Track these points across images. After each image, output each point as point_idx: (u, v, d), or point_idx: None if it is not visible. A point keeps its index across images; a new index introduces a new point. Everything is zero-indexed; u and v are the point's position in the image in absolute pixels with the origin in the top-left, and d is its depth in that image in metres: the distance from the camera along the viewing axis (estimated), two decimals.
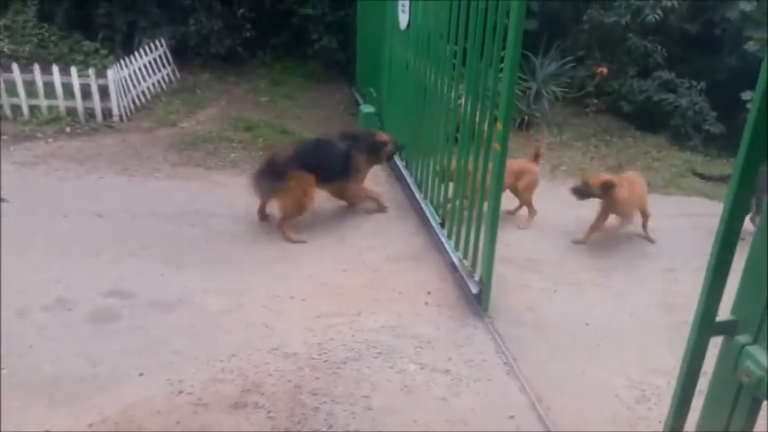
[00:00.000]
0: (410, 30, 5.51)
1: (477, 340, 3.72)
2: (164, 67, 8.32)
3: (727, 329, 1.44)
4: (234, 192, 5.43)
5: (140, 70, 7.73)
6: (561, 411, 3.15)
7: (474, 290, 4.01)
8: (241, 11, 9.00)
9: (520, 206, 5.46)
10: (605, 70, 8.59)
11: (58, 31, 8.17)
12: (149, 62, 7.97)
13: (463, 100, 4.35)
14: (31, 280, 4.00)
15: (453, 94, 4.54)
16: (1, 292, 3.74)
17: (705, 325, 1.49)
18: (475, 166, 4.15)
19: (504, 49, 3.55)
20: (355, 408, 3.10)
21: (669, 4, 8.34)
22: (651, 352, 3.69)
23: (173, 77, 8.51)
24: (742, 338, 1.39)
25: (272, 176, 4.78)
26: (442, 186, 4.85)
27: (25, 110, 6.88)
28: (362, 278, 4.35)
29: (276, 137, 6.96)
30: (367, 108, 7.07)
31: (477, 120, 4.13)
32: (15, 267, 4.08)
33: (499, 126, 3.62)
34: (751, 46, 7.74)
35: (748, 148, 1.35)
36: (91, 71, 6.87)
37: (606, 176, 4.98)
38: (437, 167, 4.96)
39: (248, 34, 9.14)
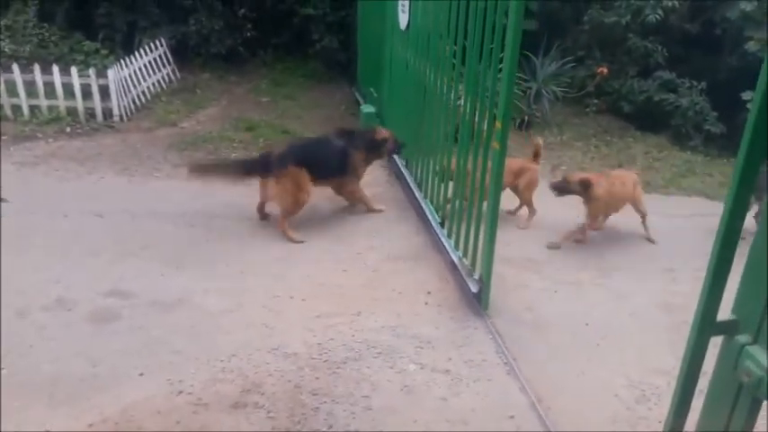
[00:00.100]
0: (410, 30, 5.52)
1: (477, 340, 3.71)
2: (164, 66, 8.33)
3: (728, 329, 1.44)
4: (234, 192, 5.43)
5: (141, 70, 7.73)
6: (561, 411, 3.15)
7: (474, 289, 4.01)
8: (242, 11, 9.00)
9: (520, 206, 5.46)
10: (605, 70, 8.59)
11: (58, 31, 8.18)
12: (150, 62, 7.97)
13: (463, 99, 4.36)
14: (31, 280, 4.01)
15: (453, 93, 4.55)
16: (1, 292, 3.75)
17: (705, 325, 1.48)
18: (474, 165, 4.16)
19: (503, 48, 3.55)
20: (355, 408, 3.10)
21: (670, 3, 8.34)
22: (651, 352, 3.69)
23: (173, 77, 8.51)
24: (742, 338, 1.39)
25: (264, 167, 4.80)
26: (442, 186, 4.85)
27: (25, 110, 6.88)
28: (362, 278, 4.35)
29: (277, 137, 6.95)
30: (368, 108, 7.07)
31: (476, 119, 4.14)
32: (15, 267, 4.08)
33: (498, 125, 3.62)
34: (751, 46, 7.74)
35: (748, 148, 1.34)
36: (91, 71, 6.87)
37: (584, 174, 4.99)
38: (437, 167, 4.97)
39: (249, 34, 9.14)
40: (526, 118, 7.97)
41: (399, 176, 6.05)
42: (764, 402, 1.39)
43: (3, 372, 3.17)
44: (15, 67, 6.80)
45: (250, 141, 6.84)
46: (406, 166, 5.97)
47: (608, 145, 7.98)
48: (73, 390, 3.09)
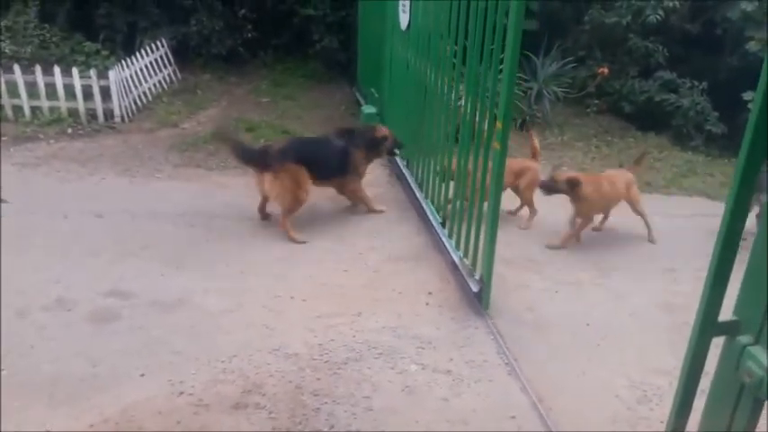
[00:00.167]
0: (411, 30, 5.52)
1: (478, 341, 3.71)
2: (165, 67, 8.33)
3: (729, 330, 1.44)
4: (235, 192, 5.44)
5: (142, 71, 7.74)
6: (562, 411, 3.15)
7: (474, 288, 4.01)
8: (242, 11, 9.01)
9: (521, 206, 5.46)
10: (606, 70, 8.59)
11: (59, 32, 8.18)
12: (150, 63, 7.98)
13: (463, 100, 4.36)
14: (31, 280, 4.01)
15: (454, 93, 4.55)
16: (1, 292, 3.75)
17: (707, 325, 1.48)
18: (475, 165, 4.16)
19: (503, 48, 3.55)
20: (356, 408, 3.10)
21: (670, 4, 8.35)
22: (652, 352, 3.68)
23: (174, 78, 8.51)
24: (744, 339, 1.39)
25: (266, 163, 4.79)
26: (443, 186, 4.85)
27: (27, 111, 6.88)
28: (363, 278, 4.35)
29: (277, 137, 6.95)
30: (368, 108, 7.08)
31: (477, 119, 4.14)
32: (16, 267, 4.08)
33: (499, 125, 3.63)
34: (752, 46, 7.74)
35: (749, 148, 1.34)
36: (92, 72, 6.88)
37: (572, 173, 4.98)
38: (438, 167, 4.97)
39: (249, 35, 9.15)
40: (527, 118, 7.97)
41: (400, 177, 6.04)
42: (766, 403, 1.39)
43: (3, 372, 3.17)
44: (17, 67, 6.81)
45: (250, 142, 6.83)
46: (407, 166, 5.97)
47: (609, 145, 7.98)
48: (73, 390, 3.09)
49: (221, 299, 3.97)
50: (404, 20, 5.69)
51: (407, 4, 5.53)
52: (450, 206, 4.72)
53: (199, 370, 3.30)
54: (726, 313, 1.47)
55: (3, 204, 4.90)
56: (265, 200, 5.02)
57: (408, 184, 5.74)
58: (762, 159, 1.37)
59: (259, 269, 4.38)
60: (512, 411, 3.14)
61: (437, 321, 3.89)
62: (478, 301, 3.98)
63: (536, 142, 5.39)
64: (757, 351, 1.35)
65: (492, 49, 3.74)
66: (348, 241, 4.89)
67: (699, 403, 1.58)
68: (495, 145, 3.71)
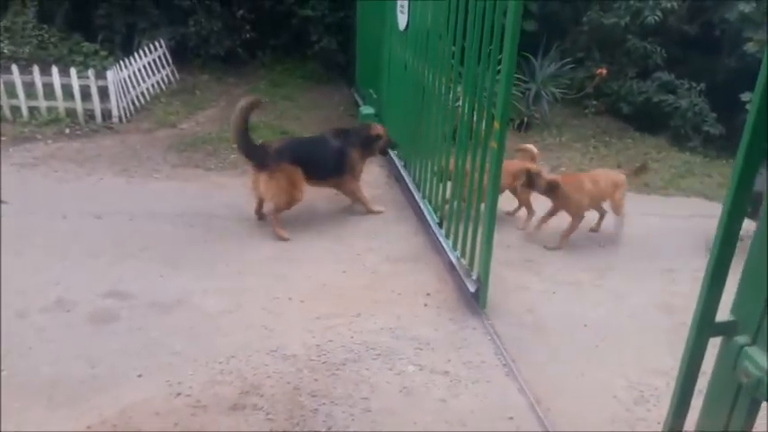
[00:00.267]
0: (409, 30, 5.52)
1: (476, 342, 3.71)
2: (163, 68, 8.32)
3: (727, 330, 1.44)
4: (233, 193, 5.43)
5: (140, 71, 7.73)
6: (560, 412, 3.15)
7: (471, 288, 4.01)
8: (241, 12, 9.00)
9: (519, 207, 5.46)
10: (605, 71, 8.60)
11: (57, 32, 8.18)
12: (149, 63, 7.97)
13: (461, 100, 4.36)
14: (30, 281, 4.00)
15: (452, 94, 4.55)
16: (0, 293, 3.74)
17: (704, 325, 1.48)
18: (473, 165, 4.17)
19: (501, 49, 3.56)
20: (354, 409, 3.10)
21: (669, 5, 8.35)
22: (650, 353, 3.69)
23: (172, 78, 8.51)
24: (741, 339, 1.39)
25: (262, 162, 4.78)
26: (441, 186, 4.86)
27: (25, 111, 6.87)
28: (361, 279, 4.35)
29: (276, 138, 6.95)
30: (367, 109, 7.08)
31: (474, 119, 4.15)
32: (15, 268, 4.08)
33: (496, 125, 3.63)
34: (750, 47, 7.74)
35: (747, 149, 1.34)
36: (90, 72, 6.87)
37: (551, 176, 4.99)
38: (435, 168, 4.97)
39: (248, 35, 9.14)
40: (525, 119, 7.98)
41: (399, 178, 6.05)
42: (764, 403, 1.39)
43: (3, 373, 3.17)
44: (14, 68, 6.80)
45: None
46: (405, 166, 5.97)
47: (607, 146, 7.98)
48: (72, 391, 3.09)
49: (220, 300, 3.97)
50: (402, 21, 5.69)
51: (406, 4, 5.53)
52: (447, 206, 4.73)
53: (197, 371, 3.30)
54: (723, 313, 1.47)
55: (2, 205, 4.90)
56: (261, 201, 5.03)
57: (406, 184, 5.74)
58: (760, 160, 1.37)
59: (258, 270, 4.38)
60: (510, 412, 3.15)
61: (435, 322, 3.89)
62: (475, 300, 3.98)
63: (534, 152, 5.38)
64: (754, 351, 1.35)
65: (490, 50, 3.75)
66: (346, 242, 4.89)
67: (696, 403, 1.58)
68: (493, 144, 3.72)
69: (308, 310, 3.93)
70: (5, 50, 7.54)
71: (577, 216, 5.00)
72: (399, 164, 6.09)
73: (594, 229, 5.34)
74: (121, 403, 3.03)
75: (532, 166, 5.27)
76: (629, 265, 4.87)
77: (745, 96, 7.49)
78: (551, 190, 4.85)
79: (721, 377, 1.45)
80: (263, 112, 7.89)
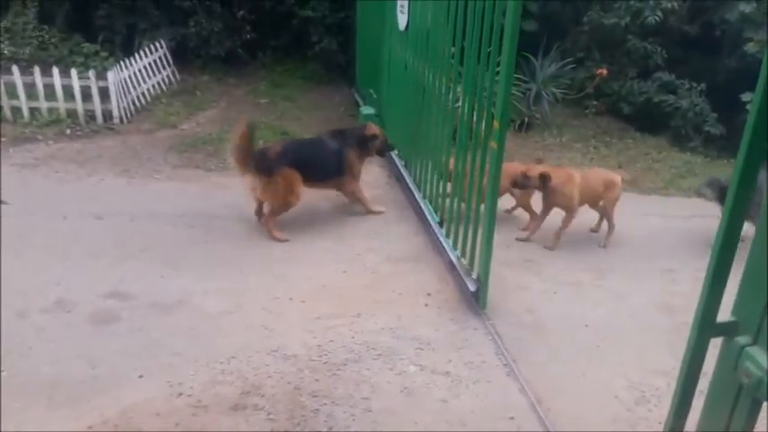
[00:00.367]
0: (409, 31, 5.52)
1: (476, 342, 3.71)
2: (164, 68, 8.33)
3: (728, 330, 1.44)
4: (234, 193, 5.43)
5: (140, 72, 7.73)
6: (561, 413, 3.15)
7: (471, 288, 4.02)
8: (241, 13, 9.00)
9: (516, 205, 5.46)
10: (605, 72, 8.60)
11: (58, 33, 8.17)
12: (149, 64, 7.97)
13: (461, 100, 4.37)
14: (30, 281, 4.00)
15: (452, 94, 4.56)
16: (1, 293, 3.75)
17: (705, 326, 1.48)
18: (473, 164, 4.17)
19: (501, 48, 3.56)
20: (355, 409, 3.10)
21: (669, 5, 8.35)
22: (651, 353, 3.69)
23: (173, 79, 8.51)
24: (742, 339, 1.39)
25: (261, 167, 4.78)
26: (441, 183, 4.86)
27: (25, 112, 6.88)
28: (362, 279, 4.35)
29: (276, 139, 6.95)
30: (367, 110, 7.08)
31: (474, 119, 4.15)
32: (15, 269, 4.08)
33: (496, 125, 3.64)
34: (751, 47, 7.74)
35: (748, 149, 1.34)
36: (91, 73, 6.88)
37: (543, 168, 4.95)
38: (435, 167, 4.97)
39: (248, 36, 9.14)
40: (526, 119, 7.98)
41: (399, 178, 6.05)
42: (765, 403, 1.39)
43: (3, 373, 3.17)
44: (15, 68, 6.80)
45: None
46: (406, 166, 5.97)
47: (607, 146, 7.98)
48: (72, 391, 3.09)
49: (220, 300, 3.97)
50: (402, 21, 5.69)
51: (406, 4, 5.53)
52: (447, 202, 4.72)
53: (198, 371, 3.30)
54: (724, 314, 1.47)
55: (3, 206, 4.90)
56: (260, 202, 5.03)
57: (407, 184, 5.75)
58: (760, 160, 1.37)
59: (258, 270, 4.38)
60: (510, 412, 3.15)
61: (436, 322, 3.89)
62: (475, 300, 3.98)
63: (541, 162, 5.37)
64: (755, 352, 1.35)
65: (489, 50, 3.75)
66: (347, 242, 4.90)
67: (697, 404, 1.58)
68: (492, 144, 3.72)
69: (308, 310, 3.93)
70: (6, 51, 7.55)
71: (569, 210, 4.98)
72: (400, 164, 6.09)
73: (594, 230, 5.33)
74: (122, 403, 3.03)
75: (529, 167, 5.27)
76: (630, 265, 4.87)
77: (745, 96, 7.49)
78: (543, 183, 4.82)
79: (722, 377, 1.45)
80: (263, 113, 7.91)
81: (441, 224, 4.84)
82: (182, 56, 8.86)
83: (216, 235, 4.86)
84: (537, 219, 5.14)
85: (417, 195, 5.44)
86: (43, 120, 6.85)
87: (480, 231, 3.99)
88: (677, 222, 5.76)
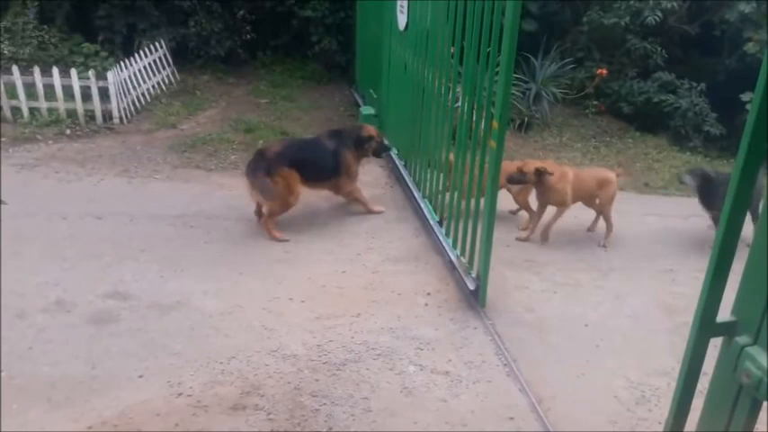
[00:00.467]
0: (408, 31, 5.52)
1: (476, 342, 3.71)
2: (164, 68, 8.33)
3: (727, 330, 1.44)
4: (234, 193, 5.43)
5: (140, 72, 7.73)
6: (561, 413, 3.15)
7: (471, 286, 4.02)
8: (241, 13, 9.01)
9: (519, 208, 5.46)
10: (605, 72, 8.60)
11: (58, 33, 8.18)
12: (149, 64, 7.97)
13: (460, 100, 4.37)
14: (30, 282, 4.00)
15: (451, 94, 4.56)
16: (1, 293, 3.74)
17: (705, 326, 1.48)
18: (472, 163, 4.17)
19: (500, 48, 3.57)
20: (355, 409, 3.10)
21: (669, 5, 8.35)
22: (651, 353, 3.69)
23: (173, 79, 8.51)
24: (742, 339, 1.39)
25: (260, 170, 4.77)
26: (440, 182, 4.85)
27: (25, 112, 6.88)
28: (362, 279, 4.35)
29: (276, 138, 6.96)
30: (367, 109, 7.08)
31: (474, 118, 4.15)
32: (15, 269, 4.08)
33: (495, 124, 3.64)
34: (750, 47, 7.74)
35: (748, 149, 1.34)
36: (91, 73, 6.88)
37: (538, 163, 4.94)
38: (435, 163, 4.97)
39: (248, 36, 9.15)
40: (526, 119, 7.98)
41: (399, 178, 6.05)
42: (765, 403, 1.39)
43: (2, 374, 3.17)
44: (15, 69, 6.80)
45: (249, 143, 6.84)
46: (405, 166, 5.97)
47: (607, 146, 7.99)
48: (72, 392, 3.09)
49: (220, 300, 3.97)
50: (402, 21, 5.69)
51: (405, 4, 5.53)
52: (446, 203, 4.72)
53: (197, 371, 3.30)
54: (724, 313, 1.47)
55: (2, 206, 4.90)
56: (259, 203, 5.03)
57: (407, 184, 5.75)
58: (760, 160, 1.37)
59: (258, 270, 4.37)
60: (510, 412, 3.14)
61: (436, 322, 3.89)
62: (475, 298, 3.99)
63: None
64: (755, 352, 1.35)
65: (489, 49, 3.75)
66: (347, 242, 4.89)
67: (697, 404, 1.58)
68: (492, 144, 3.73)
69: (308, 310, 3.93)
70: (6, 51, 7.55)
71: (562, 206, 4.97)
72: (399, 164, 6.09)
73: (591, 229, 5.31)
74: (122, 404, 3.03)
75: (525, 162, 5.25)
76: (630, 264, 4.87)
77: (745, 96, 7.49)
78: (539, 178, 4.81)
79: (722, 377, 1.45)
80: (263, 113, 7.91)
81: (440, 223, 4.84)
82: (181, 56, 8.86)
83: (215, 235, 4.86)
84: (534, 217, 5.14)
85: (417, 195, 5.44)
86: (43, 120, 6.85)
87: (480, 229, 3.99)
88: (677, 222, 5.76)
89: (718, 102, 8.31)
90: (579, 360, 3.61)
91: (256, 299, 4.01)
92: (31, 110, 6.91)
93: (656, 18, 8.32)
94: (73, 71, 6.87)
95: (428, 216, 5.06)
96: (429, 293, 4.20)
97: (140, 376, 3.24)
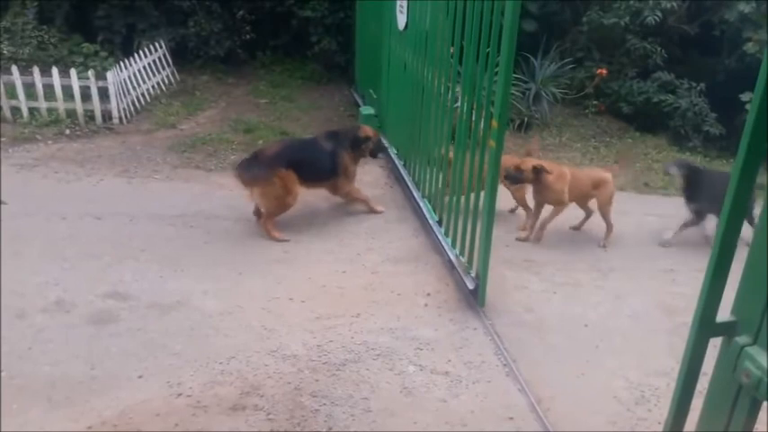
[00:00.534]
0: (408, 31, 5.52)
1: (476, 342, 3.71)
2: (163, 69, 8.32)
3: (727, 330, 1.44)
4: (233, 193, 5.42)
5: (140, 72, 7.73)
6: (561, 413, 3.15)
7: (470, 285, 4.02)
8: (240, 13, 9.01)
9: (517, 206, 5.46)
10: (604, 71, 8.60)
11: (57, 33, 8.18)
12: (149, 64, 7.97)
13: (460, 100, 4.37)
14: (29, 282, 4.00)
15: (451, 93, 4.56)
16: (0, 293, 3.74)
17: (704, 325, 1.48)
18: (471, 163, 4.17)
19: (500, 48, 3.57)
20: (355, 410, 3.10)
21: (668, 5, 8.35)
22: (650, 353, 3.69)
23: (172, 79, 8.51)
24: (741, 339, 1.39)
25: (256, 170, 4.78)
26: (440, 181, 4.85)
27: (25, 112, 6.87)
28: (361, 280, 4.35)
29: (276, 138, 6.95)
30: (367, 110, 7.08)
31: (473, 118, 4.16)
32: (14, 269, 4.08)
33: (495, 124, 3.64)
34: (750, 47, 7.74)
35: (747, 149, 1.34)
36: (90, 73, 6.87)
37: (536, 161, 4.93)
38: (434, 162, 4.97)
39: (248, 36, 9.15)
40: (525, 119, 7.98)
41: (399, 178, 6.05)
42: (764, 403, 1.39)
43: (2, 374, 3.17)
44: (15, 69, 6.79)
45: (249, 143, 6.84)
46: (405, 166, 5.97)
47: (607, 146, 7.99)
48: (72, 392, 3.09)
49: (220, 300, 3.97)
50: (401, 21, 5.69)
51: (405, 4, 5.53)
52: (446, 201, 4.72)
53: (197, 372, 3.30)
54: (724, 313, 1.47)
55: (2, 206, 4.90)
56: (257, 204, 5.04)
57: (406, 184, 5.74)
58: (760, 160, 1.37)
59: (258, 270, 4.37)
60: (510, 413, 3.14)
61: (435, 323, 3.89)
62: (474, 297, 3.98)
63: (535, 148, 5.36)
64: (755, 351, 1.35)
65: (488, 49, 3.75)
66: (346, 242, 4.89)
67: (697, 404, 1.58)
68: (491, 144, 3.73)
69: (308, 310, 3.93)
70: (5, 51, 7.54)
71: (559, 206, 4.96)
72: (399, 164, 6.09)
73: (576, 227, 5.29)
74: (121, 404, 3.03)
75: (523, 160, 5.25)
76: (630, 265, 4.87)
77: (745, 96, 7.49)
78: (537, 176, 4.80)
79: (722, 377, 1.45)
80: (263, 113, 7.91)
81: (440, 223, 4.84)
82: (181, 56, 8.86)
83: (215, 235, 4.86)
84: (532, 216, 5.14)
85: (416, 195, 5.44)
86: (42, 120, 6.85)
87: (479, 228, 3.99)
88: (677, 222, 5.75)
89: (718, 102, 8.31)
90: (579, 360, 3.61)
91: (256, 299, 4.01)
92: (31, 110, 6.91)
93: (656, 18, 8.32)
94: (72, 71, 6.86)
95: (427, 216, 5.06)
96: (429, 294, 4.20)
97: (140, 376, 3.24)
